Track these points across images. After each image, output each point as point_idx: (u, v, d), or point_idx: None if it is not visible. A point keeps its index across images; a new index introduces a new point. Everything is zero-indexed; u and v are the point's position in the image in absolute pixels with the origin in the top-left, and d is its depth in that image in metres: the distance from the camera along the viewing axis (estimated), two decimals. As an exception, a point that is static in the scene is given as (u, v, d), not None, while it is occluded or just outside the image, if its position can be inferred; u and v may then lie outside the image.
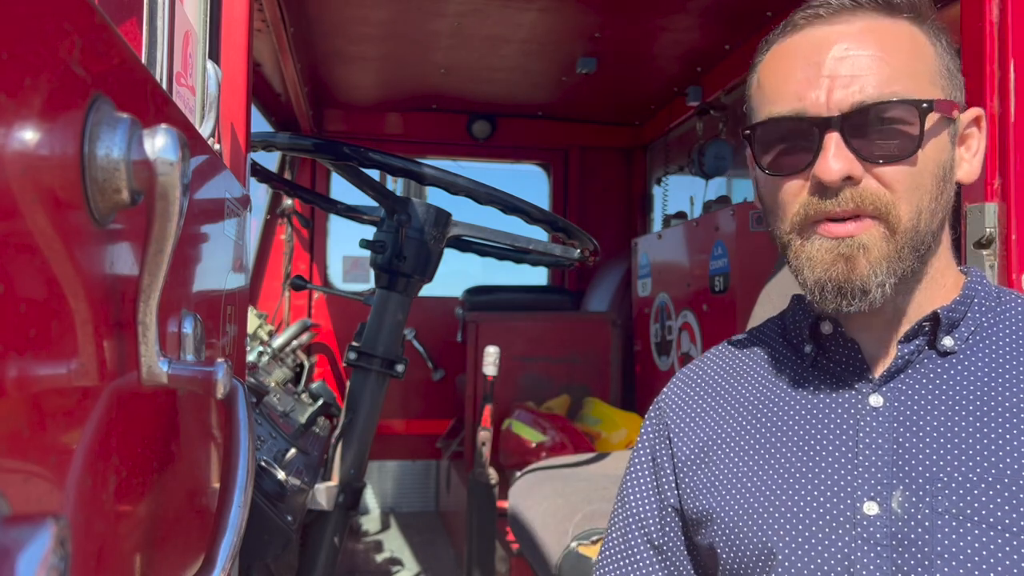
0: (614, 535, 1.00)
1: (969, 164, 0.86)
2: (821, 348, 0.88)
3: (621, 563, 0.97)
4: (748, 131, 0.85)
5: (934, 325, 0.82)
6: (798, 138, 0.80)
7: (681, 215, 3.61)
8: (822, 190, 0.78)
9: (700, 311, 2.86)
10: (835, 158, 0.76)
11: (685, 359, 2.98)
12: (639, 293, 3.49)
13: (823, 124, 0.77)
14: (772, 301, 1.93)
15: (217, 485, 0.72)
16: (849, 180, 0.77)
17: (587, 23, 2.81)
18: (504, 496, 2.21)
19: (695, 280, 2.91)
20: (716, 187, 3.63)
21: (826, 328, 0.87)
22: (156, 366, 0.48)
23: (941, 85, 0.81)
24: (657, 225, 4.02)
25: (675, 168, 3.92)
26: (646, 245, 3.47)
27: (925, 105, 0.77)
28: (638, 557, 0.96)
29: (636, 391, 3.52)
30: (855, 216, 0.78)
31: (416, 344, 3.75)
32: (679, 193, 3.94)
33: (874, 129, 0.77)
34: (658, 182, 4.07)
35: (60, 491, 0.37)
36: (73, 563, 0.34)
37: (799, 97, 0.79)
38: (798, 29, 0.83)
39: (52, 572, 0.27)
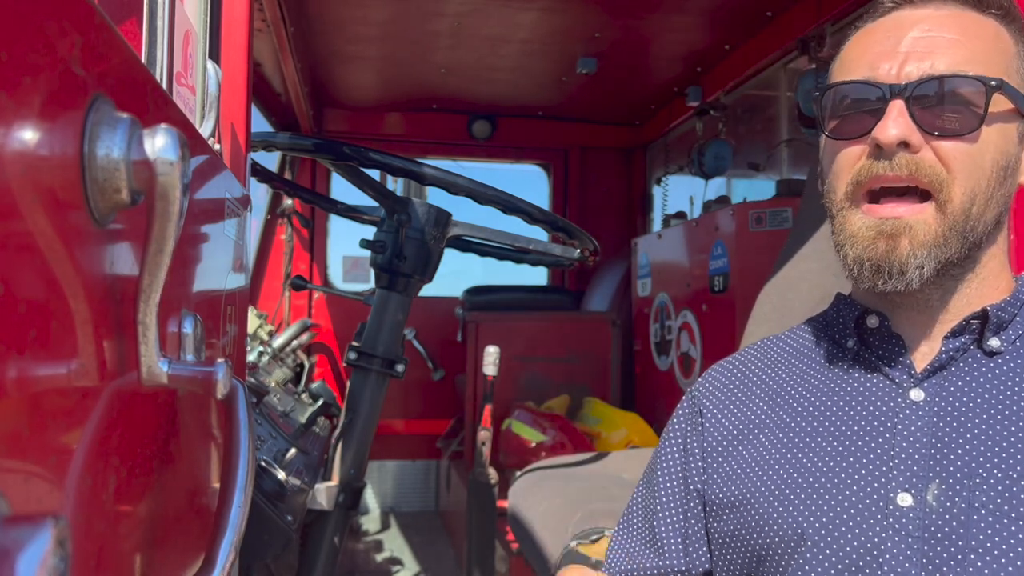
0: (636, 516, 1.00)
1: None
2: (864, 343, 0.88)
3: (639, 546, 0.97)
4: (817, 93, 0.86)
5: (982, 324, 0.81)
6: (864, 103, 0.81)
7: (681, 215, 3.61)
8: (878, 153, 0.79)
9: (700, 311, 2.86)
10: (895, 122, 0.77)
11: (685, 359, 2.98)
12: (639, 293, 3.49)
13: (889, 90, 0.79)
14: (772, 301, 1.93)
15: (217, 485, 0.72)
16: (906, 147, 0.78)
17: (587, 23, 2.81)
18: (504, 496, 2.21)
19: (695, 280, 2.91)
20: (716, 187, 3.63)
21: (872, 322, 0.87)
22: (156, 366, 0.48)
23: (1016, 82, 0.81)
24: (657, 225, 4.03)
25: (675, 168, 3.92)
26: (646, 245, 3.47)
27: (994, 83, 0.77)
28: (662, 542, 0.96)
29: (636, 391, 3.52)
30: (906, 194, 0.79)
31: (416, 344, 3.75)
32: (679, 193, 3.95)
33: (938, 102, 0.78)
34: (658, 182, 4.07)
35: (60, 491, 0.37)
36: (73, 563, 0.34)
37: (872, 67, 0.81)
38: (886, 12, 0.85)
39: (52, 572, 0.27)
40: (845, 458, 0.82)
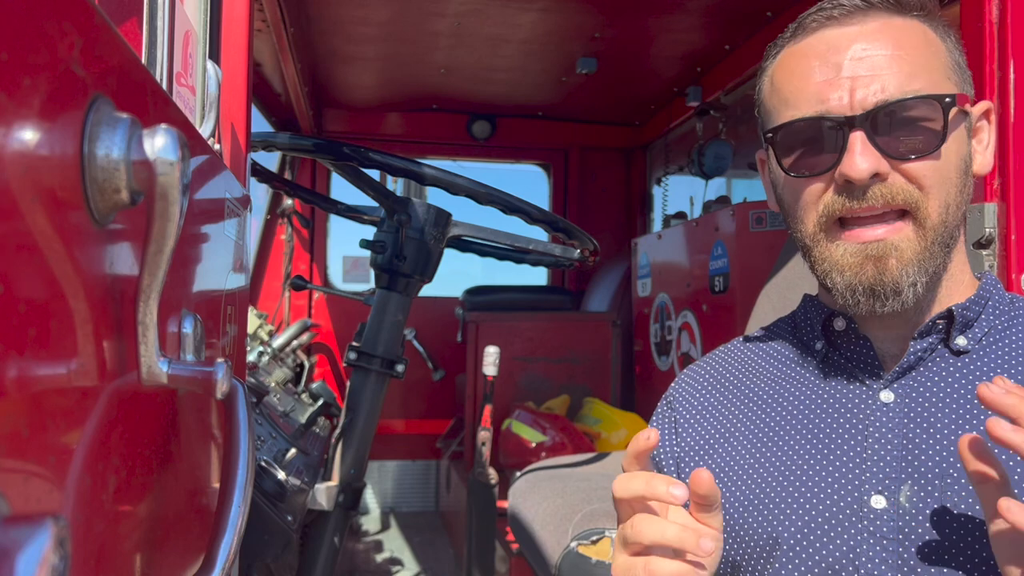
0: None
1: (982, 156, 0.86)
2: (833, 345, 0.88)
3: None
4: (770, 134, 0.84)
5: (948, 323, 0.81)
6: (822, 139, 0.79)
7: (681, 215, 3.61)
8: (849, 189, 0.78)
9: (700, 311, 2.86)
10: (862, 156, 0.76)
11: (685, 359, 2.98)
12: (639, 293, 3.49)
13: (847, 123, 0.77)
14: (772, 301, 1.93)
15: (217, 485, 0.72)
16: (876, 177, 0.77)
17: (587, 23, 2.81)
18: (504, 496, 2.21)
19: (695, 280, 2.91)
20: (716, 187, 3.63)
21: (839, 325, 0.86)
22: (156, 366, 0.48)
23: (954, 80, 0.81)
24: (657, 225, 4.02)
25: (675, 168, 3.92)
26: (646, 245, 3.47)
27: (948, 100, 0.77)
28: None
29: (636, 391, 3.52)
30: (883, 216, 0.78)
31: (416, 344, 3.75)
32: (679, 193, 3.95)
33: (898, 126, 0.77)
34: (658, 182, 4.07)
35: (60, 491, 0.37)
36: (73, 563, 0.34)
37: (820, 99, 0.79)
38: (810, 32, 0.82)
39: (52, 572, 0.27)
40: (818, 461, 0.82)
